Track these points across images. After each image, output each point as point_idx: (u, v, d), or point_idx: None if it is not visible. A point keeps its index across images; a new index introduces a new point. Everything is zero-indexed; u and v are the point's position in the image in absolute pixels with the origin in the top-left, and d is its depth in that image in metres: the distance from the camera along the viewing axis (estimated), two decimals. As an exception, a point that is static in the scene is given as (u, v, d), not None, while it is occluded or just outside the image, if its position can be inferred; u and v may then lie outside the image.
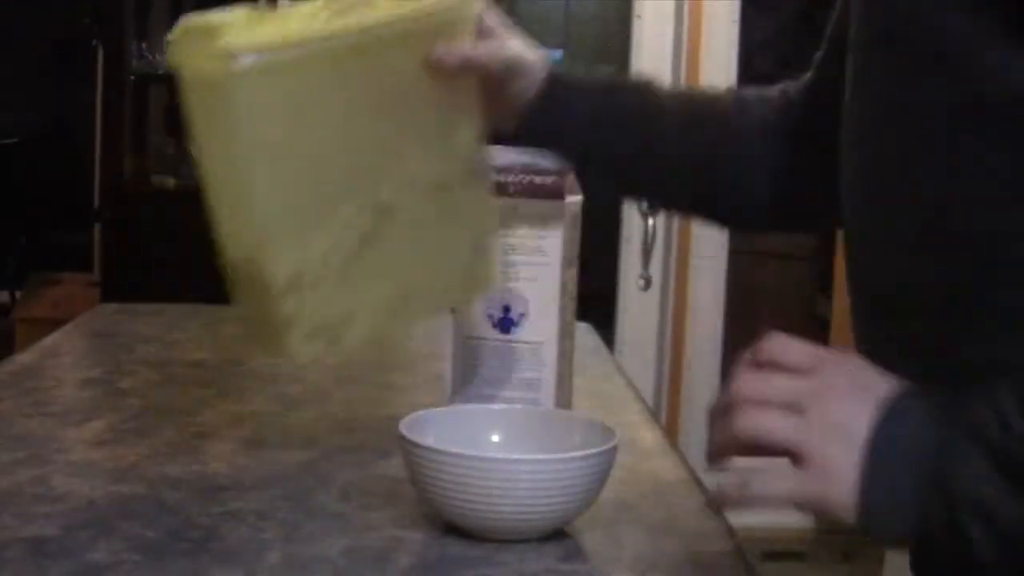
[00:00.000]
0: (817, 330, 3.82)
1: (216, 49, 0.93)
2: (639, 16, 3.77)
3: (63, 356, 1.58)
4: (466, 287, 1.10)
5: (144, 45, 3.80)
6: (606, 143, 1.10)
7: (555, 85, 1.08)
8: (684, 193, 1.15)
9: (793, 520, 3.75)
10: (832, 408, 0.71)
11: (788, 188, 1.10)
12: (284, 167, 0.97)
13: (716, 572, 0.89)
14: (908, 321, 0.83)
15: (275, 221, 0.97)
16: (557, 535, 0.92)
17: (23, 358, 1.50)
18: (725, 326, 3.78)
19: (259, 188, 0.97)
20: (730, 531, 0.97)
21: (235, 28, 0.94)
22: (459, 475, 0.89)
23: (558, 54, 7.49)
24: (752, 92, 1.15)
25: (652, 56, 3.75)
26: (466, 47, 1.01)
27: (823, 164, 0.95)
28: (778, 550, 3.56)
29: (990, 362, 0.76)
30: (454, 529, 0.91)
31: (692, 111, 1.13)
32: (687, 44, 3.69)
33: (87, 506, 0.96)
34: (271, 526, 0.93)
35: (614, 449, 0.93)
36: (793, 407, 0.72)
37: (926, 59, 0.78)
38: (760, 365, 0.74)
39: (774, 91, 1.14)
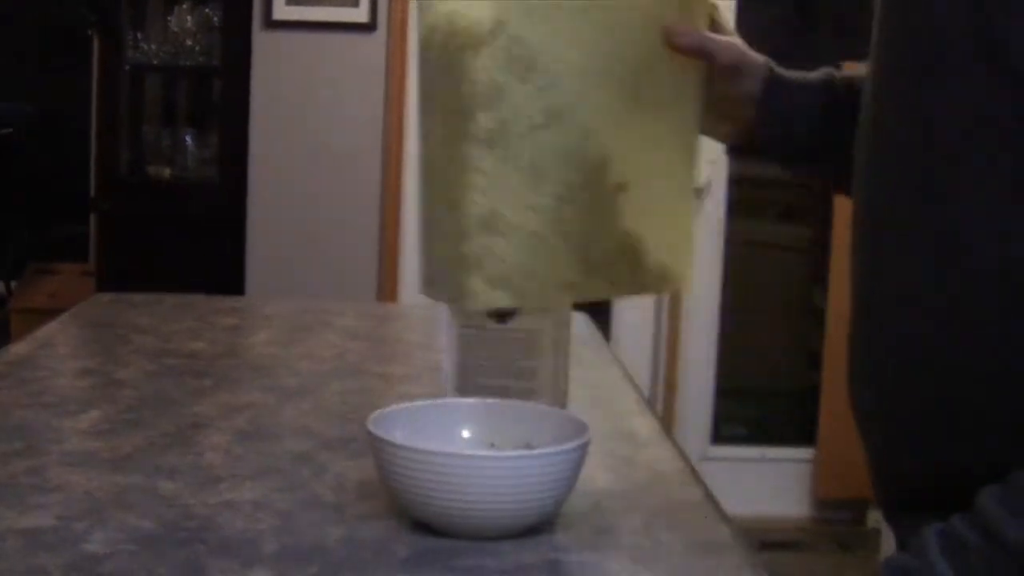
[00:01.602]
0: (813, 321, 3.83)
1: None
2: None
3: (59, 347, 1.58)
4: (656, 283, 1.07)
5: (140, 36, 3.79)
6: (832, 139, 1.07)
7: (777, 86, 1.07)
8: None
9: (789, 509, 3.76)
10: None
11: None
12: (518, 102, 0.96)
13: (713, 561, 0.89)
14: (907, 324, 0.82)
15: (487, 155, 0.96)
16: (553, 525, 0.92)
17: (18, 348, 1.50)
18: (721, 317, 3.78)
19: (481, 120, 0.96)
20: (727, 520, 0.97)
21: None
22: (422, 472, 0.88)
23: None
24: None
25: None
26: (702, 31, 1.02)
27: None
28: (774, 540, 3.56)
29: (998, 375, 0.76)
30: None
31: None
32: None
33: (83, 496, 0.95)
34: (267, 516, 0.93)
35: (585, 445, 0.92)
36: None
37: (940, 62, 0.77)
38: None
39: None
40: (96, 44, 3.97)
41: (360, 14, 3.54)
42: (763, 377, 4.27)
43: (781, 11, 4.35)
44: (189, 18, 3.80)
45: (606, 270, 1.02)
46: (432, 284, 1.02)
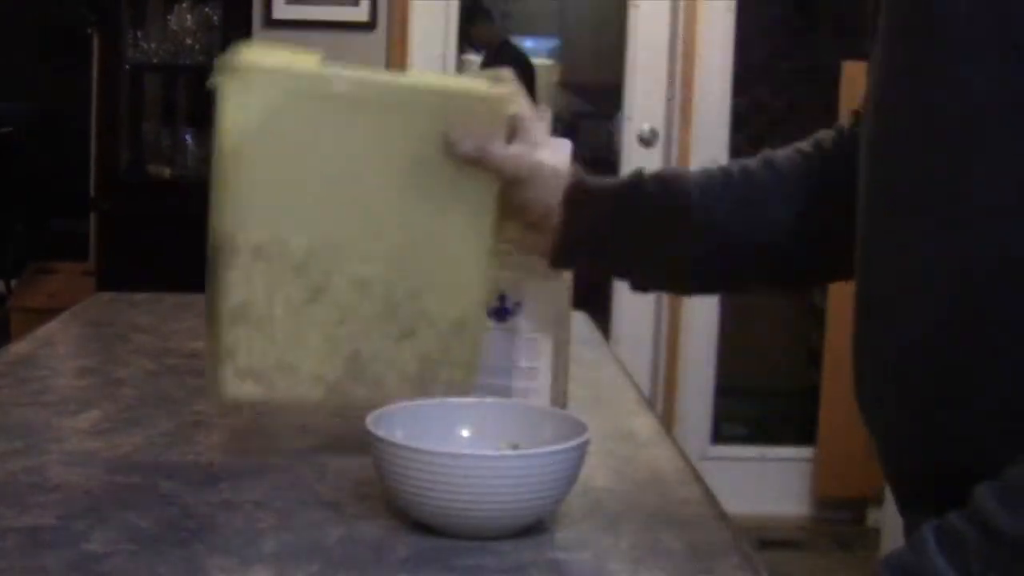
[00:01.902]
0: (813, 320, 3.82)
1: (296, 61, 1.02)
2: (636, 5, 3.76)
3: (58, 346, 1.58)
4: (436, 374, 1.07)
5: (140, 34, 3.79)
6: (634, 246, 1.06)
7: (577, 192, 1.05)
8: (730, 274, 1.08)
9: (789, 508, 3.76)
10: None
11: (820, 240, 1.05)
12: (275, 187, 1.01)
13: (713, 560, 0.89)
14: (910, 319, 0.82)
15: (239, 238, 1.00)
16: (553, 525, 0.92)
17: (18, 347, 1.50)
18: (721, 316, 3.78)
19: (241, 197, 1.01)
20: (727, 520, 0.97)
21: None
22: (422, 471, 0.87)
23: (553, 43, 7.47)
24: (781, 154, 1.07)
25: (648, 46, 3.75)
26: (485, 139, 1.01)
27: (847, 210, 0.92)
28: (774, 538, 3.56)
29: (999, 370, 0.76)
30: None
31: (725, 194, 1.05)
32: (683, 34, 3.68)
33: (83, 496, 0.95)
34: (267, 515, 0.93)
35: (584, 445, 0.92)
36: None
37: (947, 50, 0.76)
38: None
39: (806, 144, 1.07)
40: (96, 43, 3.97)
41: (360, 13, 3.54)
42: (763, 376, 4.27)
43: (781, 11, 4.35)
44: (189, 17, 3.80)
45: (377, 374, 1.05)
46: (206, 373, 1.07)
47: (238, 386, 1.02)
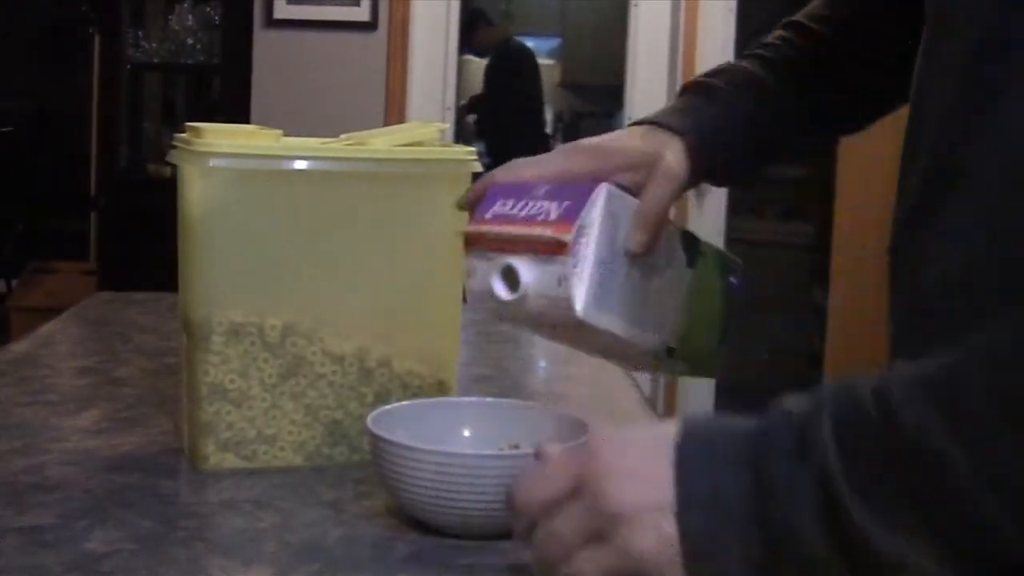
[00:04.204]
0: (814, 319, 3.83)
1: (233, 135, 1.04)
2: (636, 5, 3.76)
3: (58, 345, 1.58)
4: None
5: (140, 33, 3.79)
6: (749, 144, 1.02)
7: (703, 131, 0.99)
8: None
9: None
10: (620, 503, 0.66)
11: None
12: (245, 266, 1.03)
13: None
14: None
15: (212, 315, 1.03)
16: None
17: (18, 347, 1.50)
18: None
19: (211, 278, 1.03)
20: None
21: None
22: (422, 471, 0.87)
23: (554, 43, 7.46)
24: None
25: (649, 41, 3.75)
26: (653, 217, 0.92)
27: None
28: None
29: None
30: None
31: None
32: (684, 29, 3.68)
33: (83, 495, 0.95)
34: (267, 515, 0.93)
35: (585, 444, 0.91)
36: (593, 536, 0.67)
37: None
38: (528, 516, 0.70)
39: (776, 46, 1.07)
40: (97, 43, 3.97)
41: (361, 13, 3.54)
42: (764, 375, 4.27)
43: (781, 10, 4.34)
44: (190, 16, 3.80)
45: (356, 437, 1.07)
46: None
47: (220, 457, 1.04)
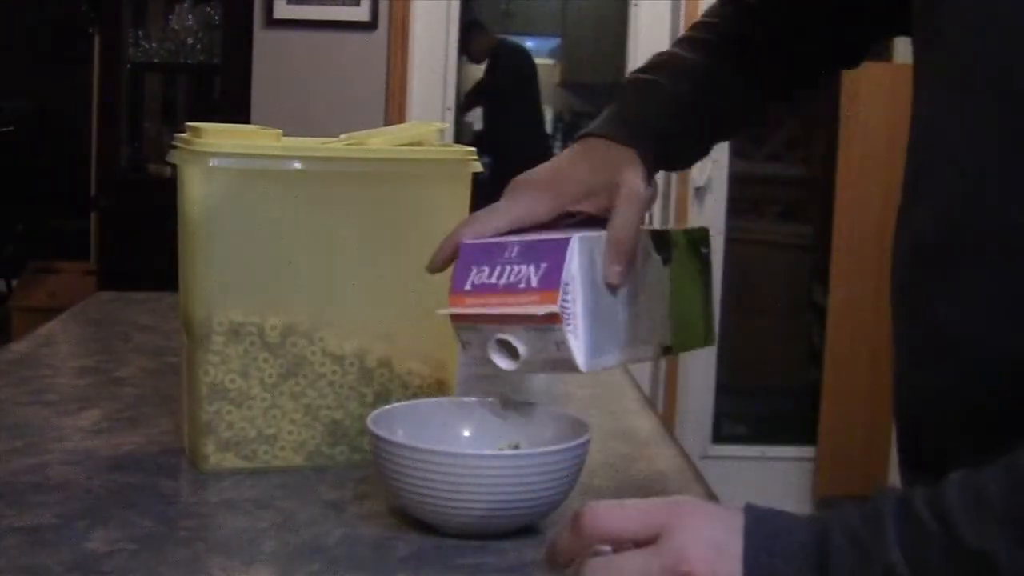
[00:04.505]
0: (814, 319, 3.83)
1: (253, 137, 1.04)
2: (636, 5, 3.76)
3: (59, 345, 1.58)
4: None
5: (141, 33, 3.79)
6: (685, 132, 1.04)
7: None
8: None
9: (790, 507, 3.76)
10: (696, 569, 0.65)
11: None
12: (245, 267, 1.03)
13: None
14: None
15: (214, 314, 1.03)
16: (554, 524, 0.92)
17: (19, 347, 1.50)
18: (722, 315, 3.78)
19: (211, 279, 1.03)
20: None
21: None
22: (422, 471, 0.87)
23: (554, 43, 7.44)
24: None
25: (649, 46, 3.75)
26: (624, 249, 0.91)
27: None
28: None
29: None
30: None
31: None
32: (684, 29, 3.68)
33: (83, 495, 0.95)
34: (267, 515, 0.93)
35: (585, 444, 0.92)
36: None
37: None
38: (589, 538, 0.68)
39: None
40: (97, 42, 3.97)
41: (361, 13, 3.54)
42: (764, 375, 4.27)
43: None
44: (190, 16, 3.80)
45: (356, 437, 1.07)
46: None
47: (220, 457, 1.04)
